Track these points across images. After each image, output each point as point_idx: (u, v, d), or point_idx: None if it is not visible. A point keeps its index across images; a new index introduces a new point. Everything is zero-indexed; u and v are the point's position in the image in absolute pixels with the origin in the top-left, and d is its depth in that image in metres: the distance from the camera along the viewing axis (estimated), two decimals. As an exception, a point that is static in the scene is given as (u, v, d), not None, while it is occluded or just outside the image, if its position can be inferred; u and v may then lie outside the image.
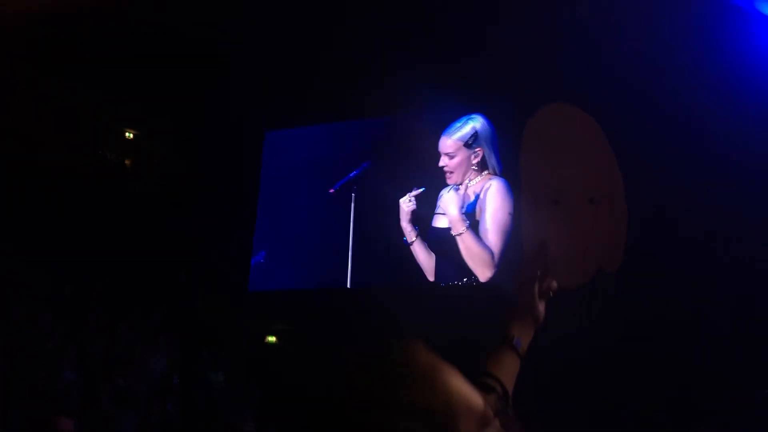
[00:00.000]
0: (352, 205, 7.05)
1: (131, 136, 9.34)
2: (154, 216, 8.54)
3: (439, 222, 6.51)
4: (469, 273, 6.36)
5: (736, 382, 5.72)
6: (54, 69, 8.28)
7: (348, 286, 7.09)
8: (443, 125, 6.65)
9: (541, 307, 1.29)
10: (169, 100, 8.53)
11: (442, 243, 6.40)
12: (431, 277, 6.63)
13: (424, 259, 6.57)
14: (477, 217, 6.26)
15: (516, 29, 7.08)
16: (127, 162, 9.38)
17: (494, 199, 6.20)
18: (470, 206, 6.27)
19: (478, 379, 1.11)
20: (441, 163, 6.42)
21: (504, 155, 6.41)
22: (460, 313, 6.20)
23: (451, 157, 6.34)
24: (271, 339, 8.42)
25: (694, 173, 6.52)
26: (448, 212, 6.24)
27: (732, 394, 5.67)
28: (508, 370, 1.18)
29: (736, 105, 6.26)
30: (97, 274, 7.93)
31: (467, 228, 6.14)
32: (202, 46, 8.17)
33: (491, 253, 6.17)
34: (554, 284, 1.31)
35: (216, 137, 8.63)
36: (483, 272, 6.22)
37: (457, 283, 6.47)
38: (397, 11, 7.55)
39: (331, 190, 6.75)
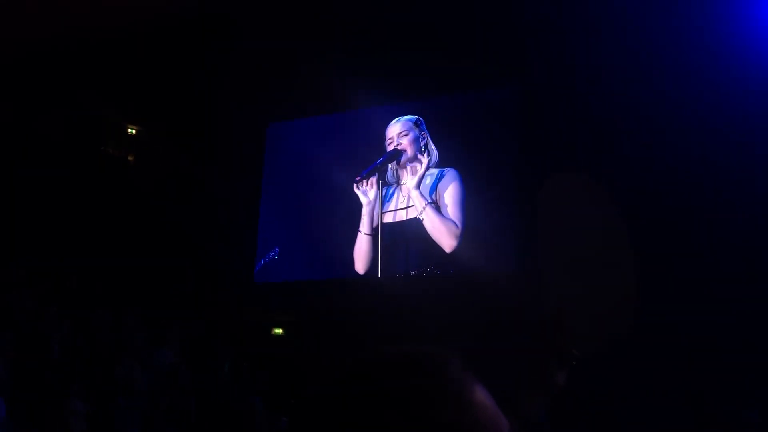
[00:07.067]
0: (378, 192, 7.02)
1: (134, 132, 9.35)
2: (157, 211, 8.52)
3: (388, 218, 6.99)
4: (427, 263, 6.84)
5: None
6: (57, 67, 8.29)
7: (378, 275, 7.15)
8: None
9: (561, 377, 1.21)
10: (171, 96, 8.53)
11: (397, 235, 6.90)
12: (362, 271, 7.13)
13: (367, 252, 6.99)
14: (436, 200, 6.88)
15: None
16: (129, 158, 9.39)
17: (452, 183, 6.85)
18: (431, 190, 6.86)
19: None
20: (392, 147, 6.84)
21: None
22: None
23: (404, 135, 6.88)
24: (278, 331, 8.37)
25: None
26: (410, 189, 6.71)
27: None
28: None
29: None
30: (102, 270, 7.91)
31: (429, 203, 6.66)
32: (202, 40, 8.17)
33: (454, 223, 6.68)
34: (576, 352, 1.22)
35: (218, 131, 8.61)
36: (449, 242, 6.65)
37: (423, 273, 6.95)
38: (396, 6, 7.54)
39: (358, 178, 6.74)
